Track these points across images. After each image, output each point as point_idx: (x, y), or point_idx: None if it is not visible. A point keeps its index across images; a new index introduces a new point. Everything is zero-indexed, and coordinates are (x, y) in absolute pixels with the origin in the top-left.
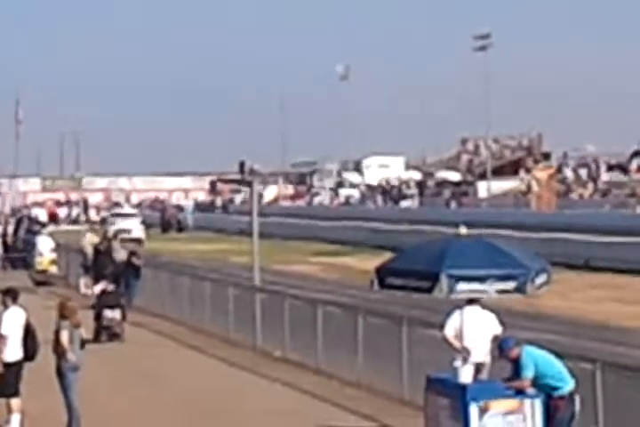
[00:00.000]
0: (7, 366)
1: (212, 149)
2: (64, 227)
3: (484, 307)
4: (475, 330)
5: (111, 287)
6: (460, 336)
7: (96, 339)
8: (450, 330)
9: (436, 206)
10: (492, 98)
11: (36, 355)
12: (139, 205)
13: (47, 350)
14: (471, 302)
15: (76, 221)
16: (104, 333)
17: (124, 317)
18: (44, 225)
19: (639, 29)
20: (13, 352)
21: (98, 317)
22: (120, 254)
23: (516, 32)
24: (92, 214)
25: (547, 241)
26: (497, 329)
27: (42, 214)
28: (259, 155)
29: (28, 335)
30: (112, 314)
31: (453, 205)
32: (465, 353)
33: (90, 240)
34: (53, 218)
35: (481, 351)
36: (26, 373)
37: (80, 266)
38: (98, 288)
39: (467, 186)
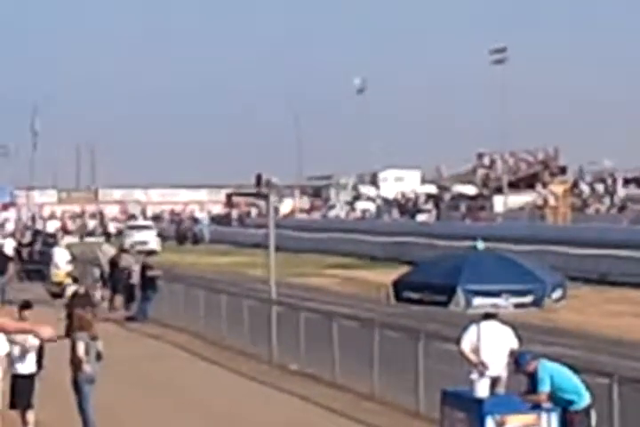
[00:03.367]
0: (22, 378)
1: (229, 162)
2: (81, 239)
3: (502, 321)
4: (491, 344)
5: (82, 290)
6: (476, 350)
7: (68, 335)
8: (466, 344)
9: (452, 220)
10: (509, 112)
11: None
12: (156, 218)
13: (60, 362)
14: (488, 316)
15: (91, 234)
16: None
17: (94, 315)
18: (53, 236)
19: None
20: (28, 365)
21: (70, 315)
22: (130, 267)
23: (533, 46)
24: (111, 227)
25: (563, 255)
26: (513, 343)
27: (51, 226)
28: (275, 168)
29: (42, 349)
30: (83, 313)
31: (468, 220)
32: (481, 367)
33: (106, 252)
34: (66, 230)
35: (498, 365)
36: (42, 384)
37: (98, 278)
38: (70, 290)
39: (483, 200)
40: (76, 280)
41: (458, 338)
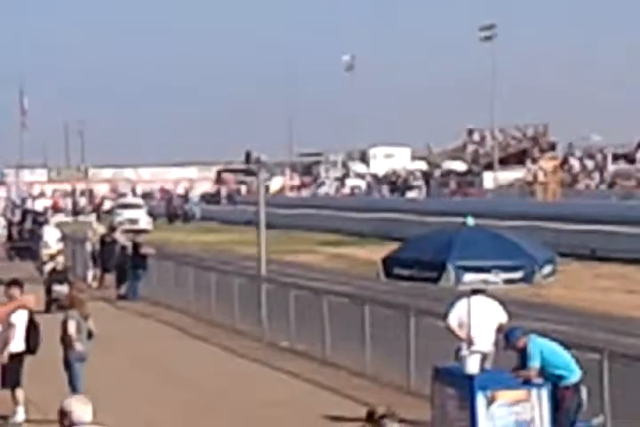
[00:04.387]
0: (11, 356)
1: (218, 140)
2: (70, 218)
3: (490, 296)
4: (479, 319)
5: (60, 266)
6: (464, 325)
7: (47, 310)
8: (453, 319)
9: (442, 197)
10: (498, 88)
11: (38, 348)
12: (146, 195)
13: (52, 340)
14: (476, 291)
15: (80, 212)
16: (54, 304)
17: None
18: (43, 215)
19: None
20: (17, 343)
21: (48, 291)
22: (122, 245)
23: (522, 22)
24: (107, 205)
25: (553, 231)
26: (502, 318)
27: (39, 205)
28: (265, 145)
29: (31, 327)
30: (60, 288)
31: (457, 196)
32: (468, 342)
33: (97, 231)
34: (56, 209)
35: (485, 341)
36: (31, 362)
37: (89, 257)
38: (48, 267)
39: (473, 176)
40: (53, 257)
41: (445, 313)
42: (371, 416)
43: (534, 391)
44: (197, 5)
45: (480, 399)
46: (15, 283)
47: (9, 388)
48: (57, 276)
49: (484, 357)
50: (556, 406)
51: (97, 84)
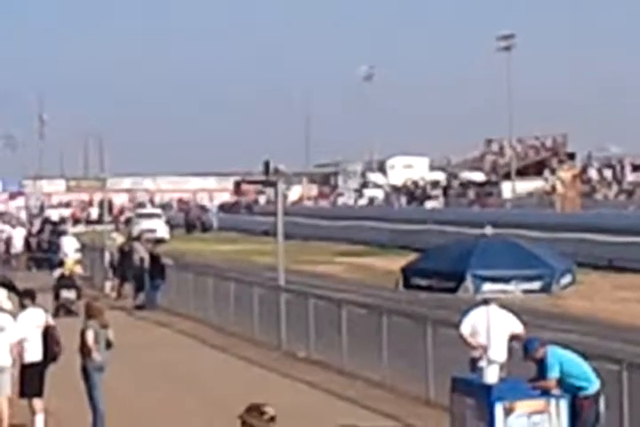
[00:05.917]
0: (28, 366)
1: (236, 150)
2: (89, 227)
3: (503, 306)
4: (492, 329)
5: (67, 272)
6: (476, 334)
7: (56, 315)
8: (466, 328)
9: (460, 207)
10: (516, 98)
11: (59, 356)
12: (165, 206)
13: (71, 350)
14: (487, 301)
15: (97, 222)
16: (61, 309)
17: (79, 296)
18: (60, 224)
19: None
20: (33, 353)
21: (57, 296)
22: (140, 255)
23: (540, 32)
24: (130, 215)
25: (571, 241)
26: (516, 328)
27: (55, 215)
28: (283, 155)
29: (48, 336)
30: (67, 294)
31: (476, 206)
32: (481, 351)
33: (116, 241)
34: (75, 219)
35: (499, 350)
36: (50, 372)
37: (108, 267)
38: (56, 273)
39: (491, 186)
40: (62, 264)
41: (458, 323)
42: (256, 412)
43: (553, 402)
44: (214, 16)
45: (498, 410)
46: (27, 293)
47: (28, 397)
48: (64, 281)
49: (501, 367)
50: (574, 417)
51: (115, 94)
